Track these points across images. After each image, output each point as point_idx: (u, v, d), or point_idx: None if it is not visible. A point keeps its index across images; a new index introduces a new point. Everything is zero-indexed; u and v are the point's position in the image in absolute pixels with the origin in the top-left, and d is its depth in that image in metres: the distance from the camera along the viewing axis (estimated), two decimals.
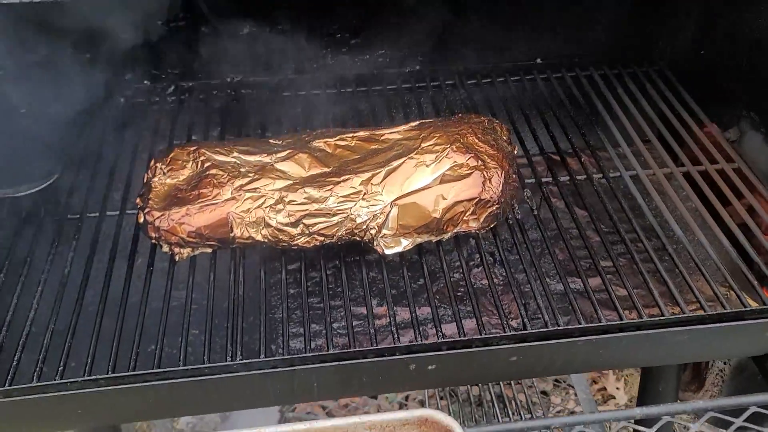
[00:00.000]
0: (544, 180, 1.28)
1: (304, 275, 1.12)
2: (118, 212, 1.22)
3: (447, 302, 1.30)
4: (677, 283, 1.08)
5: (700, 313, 1.00)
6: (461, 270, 1.32)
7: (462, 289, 1.31)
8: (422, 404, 2.07)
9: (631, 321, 1.00)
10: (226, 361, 0.96)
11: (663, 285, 1.07)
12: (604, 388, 2.35)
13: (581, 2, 1.51)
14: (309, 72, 1.51)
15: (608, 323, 0.99)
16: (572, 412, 2.23)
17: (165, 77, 1.48)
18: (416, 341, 0.99)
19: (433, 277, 1.29)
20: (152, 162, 1.18)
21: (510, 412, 1.91)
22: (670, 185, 1.25)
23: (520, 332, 0.99)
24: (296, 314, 1.26)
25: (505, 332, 1.00)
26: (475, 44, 1.52)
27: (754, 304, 1.08)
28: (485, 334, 0.99)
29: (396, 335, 1.00)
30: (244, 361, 0.95)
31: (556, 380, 2.22)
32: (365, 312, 1.14)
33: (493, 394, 1.94)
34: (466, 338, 0.98)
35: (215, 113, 1.45)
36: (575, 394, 2.20)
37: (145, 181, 1.16)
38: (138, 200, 1.14)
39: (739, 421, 0.94)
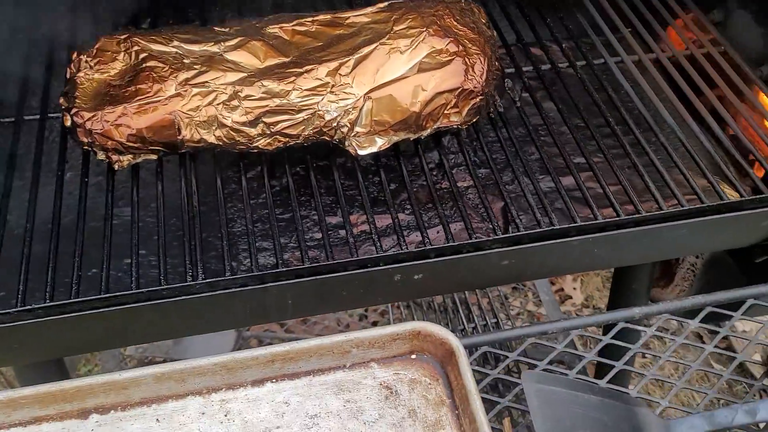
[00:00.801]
0: (524, 69, 1.16)
1: (267, 182, 0.99)
2: (38, 116, 1.03)
3: (429, 206, 1.20)
4: (655, 179, 1.01)
5: (699, 205, 0.94)
6: (442, 170, 1.21)
7: (444, 191, 1.21)
8: (383, 315, 2.02)
9: (630, 217, 0.92)
10: (187, 282, 0.84)
11: (640, 181, 1.00)
12: (562, 289, 2.37)
13: None
14: None
15: (606, 220, 0.92)
16: (530, 313, 2.25)
17: None
18: (400, 249, 0.89)
19: (412, 179, 1.18)
20: (74, 55, 0.99)
21: (474, 317, 1.89)
22: (657, 72, 1.16)
23: (514, 234, 0.90)
24: (258, 227, 1.14)
25: (496, 235, 0.91)
26: None
27: (734, 195, 1.02)
28: (475, 238, 0.90)
29: (379, 244, 0.90)
30: (209, 280, 0.83)
31: (514, 285, 2.20)
32: (340, 221, 1.03)
33: (457, 301, 1.91)
34: (456, 243, 0.89)
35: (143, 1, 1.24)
36: (534, 297, 2.21)
37: (68, 77, 0.98)
38: (61, 100, 0.96)
39: (694, 323, 0.89)
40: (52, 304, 0.80)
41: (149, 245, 0.96)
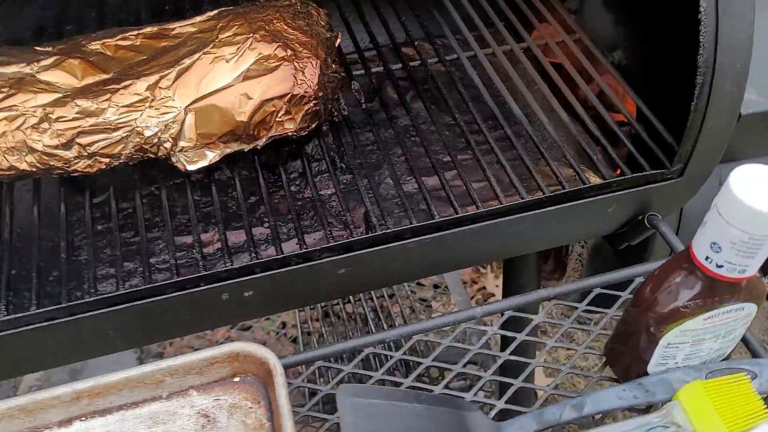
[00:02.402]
0: (374, 70, 1.13)
1: (88, 206, 0.93)
2: None
3: (289, 217, 1.16)
4: (522, 173, 0.99)
5: (538, 195, 0.92)
6: (305, 179, 1.18)
7: (306, 201, 1.17)
8: (295, 328, 1.97)
9: (466, 214, 0.89)
10: None
11: (507, 176, 0.97)
12: (484, 287, 2.35)
13: None
14: None
15: (441, 219, 0.88)
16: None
17: None
18: (224, 266, 0.84)
19: (272, 190, 1.14)
20: None
21: (384, 326, 1.85)
22: (514, 68, 1.14)
23: (343, 241, 0.86)
24: (107, 253, 1.08)
25: (328, 243, 0.87)
26: None
27: (599, 181, 1.02)
28: (305, 249, 0.86)
29: (201, 262, 0.85)
30: (9, 317, 0.77)
31: (436, 285, 2.17)
32: (191, 241, 0.99)
33: (366, 309, 1.87)
34: (282, 255, 0.84)
35: None
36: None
37: None
38: None
39: (582, 305, 0.88)
40: None
41: None
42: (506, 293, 1.42)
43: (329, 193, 1.20)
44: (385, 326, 1.84)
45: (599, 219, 0.97)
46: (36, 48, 1.00)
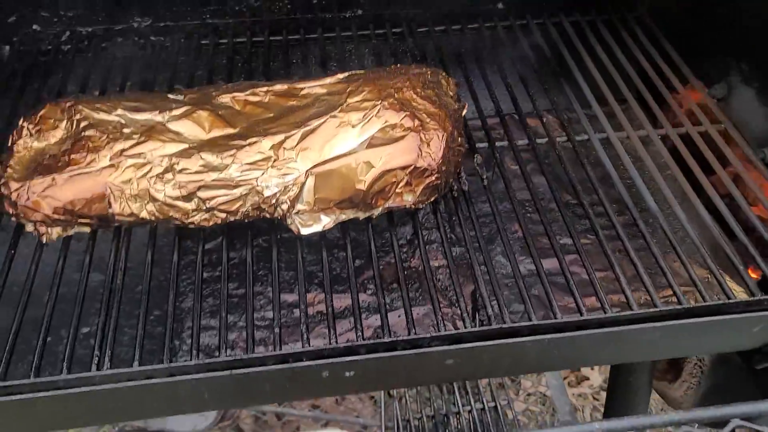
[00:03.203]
0: (498, 144, 1.08)
1: (200, 258, 0.92)
2: None
3: (394, 286, 1.12)
4: (649, 265, 0.91)
5: (675, 306, 0.83)
6: (413, 247, 1.14)
7: (412, 270, 1.13)
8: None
9: (592, 318, 0.81)
10: (90, 371, 0.77)
11: (632, 267, 0.89)
12: (579, 369, 2.21)
13: None
14: (231, 16, 1.28)
15: (565, 320, 0.81)
16: (544, 396, 2.09)
17: (57, 21, 1.25)
18: (356, 336, 0.81)
19: (379, 255, 1.11)
20: (21, 121, 0.96)
21: (471, 400, 1.76)
22: (646, 150, 1.06)
23: (455, 332, 0.81)
24: (209, 302, 1.08)
25: (438, 331, 0.82)
26: None
27: (738, 289, 0.92)
28: (414, 334, 0.81)
29: (305, 334, 0.82)
30: (111, 372, 0.76)
31: None
32: (293, 299, 0.97)
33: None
34: (389, 340, 0.80)
35: (117, 66, 1.22)
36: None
37: (9, 144, 0.95)
38: None
39: None
40: None
41: (64, 321, 0.90)
42: (613, 389, 1.31)
43: (438, 264, 1.16)
44: (471, 396, 1.75)
45: (739, 336, 0.87)
46: (168, 95, 1.02)
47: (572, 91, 1.17)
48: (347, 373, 0.81)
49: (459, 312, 0.87)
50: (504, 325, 0.80)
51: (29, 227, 0.90)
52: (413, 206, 0.94)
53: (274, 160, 0.90)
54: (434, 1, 1.32)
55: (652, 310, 0.82)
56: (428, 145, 0.92)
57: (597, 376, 2.25)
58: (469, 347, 0.80)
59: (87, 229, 0.93)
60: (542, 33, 1.29)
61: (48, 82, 1.19)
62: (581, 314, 0.82)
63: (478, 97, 1.15)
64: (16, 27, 1.24)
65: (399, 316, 1.09)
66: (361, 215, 0.94)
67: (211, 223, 0.91)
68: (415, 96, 0.96)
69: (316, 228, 0.92)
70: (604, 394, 2.23)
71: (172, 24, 1.28)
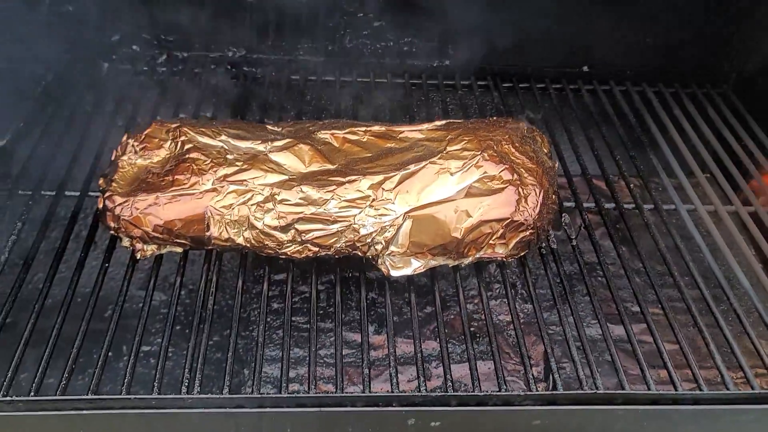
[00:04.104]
0: (585, 206, 1.08)
1: (290, 290, 0.93)
2: (78, 193, 1.02)
3: (458, 338, 1.11)
4: (718, 342, 0.88)
5: None
6: (481, 300, 1.14)
7: (477, 324, 1.12)
8: None
9: (687, 393, 0.80)
10: (181, 393, 0.77)
11: (702, 343, 0.88)
12: None
13: (639, 10, 1.31)
14: (322, 54, 1.32)
15: (659, 393, 0.79)
16: None
17: (157, 44, 1.29)
18: (418, 386, 0.79)
19: (444, 305, 1.10)
20: (124, 138, 0.98)
21: None
22: (734, 225, 1.05)
23: (549, 393, 0.79)
24: (275, 336, 1.07)
25: (529, 388, 0.80)
26: (514, 43, 1.33)
27: None
28: (505, 390, 0.80)
29: (395, 378, 0.81)
30: (202, 396, 0.76)
31: None
32: (359, 340, 0.96)
33: None
34: (482, 394, 0.78)
35: (210, 91, 1.25)
36: None
37: (112, 158, 0.97)
38: (101, 181, 0.94)
39: None
40: (36, 399, 0.74)
41: (153, 340, 0.91)
42: None
43: (506, 320, 1.15)
44: None
45: None
46: (267, 126, 1.04)
47: (657, 158, 1.17)
48: (433, 423, 0.79)
49: (525, 370, 0.85)
50: (598, 392, 0.79)
51: (125, 242, 0.91)
52: (504, 259, 0.94)
53: (372, 200, 0.91)
54: (520, 59, 1.34)
55: (750, 391, 0.80)
56: (526, 200, 0.92)
57: None
58: (561, 410, 0.78)
59: (179, 249, 0.93)
60: (626, 99, 1.31)
61: (142, 101, 1.22)
62: (675, 388, 0.80)
63: (563, 156, 1.16)
64: (117, 45, 1.28)
65: (465, 370, 1.08)
66: (451, 263, 0.94)
67: (302, 256, 0.92)
68: (513, 150, 0.97)
69: (406, 271, 0.92)
70: None
71: (264, 57, 1.31)
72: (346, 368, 1.06)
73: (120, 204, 0.89)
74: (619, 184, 1.15)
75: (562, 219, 1.04)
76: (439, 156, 0.95)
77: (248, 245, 0.90)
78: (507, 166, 0.94)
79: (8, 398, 0.73)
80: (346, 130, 1.01)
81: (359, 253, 0.92)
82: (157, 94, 1.23)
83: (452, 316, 1.14)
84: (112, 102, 1.20)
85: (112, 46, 1.28)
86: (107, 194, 0.90)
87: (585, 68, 1.36)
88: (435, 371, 1.08)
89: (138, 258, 0.92)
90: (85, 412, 0.75)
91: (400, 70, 1.32)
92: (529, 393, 0.79)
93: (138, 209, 0.89)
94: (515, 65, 1.34)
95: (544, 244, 0.99)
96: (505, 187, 0.92)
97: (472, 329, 1.12)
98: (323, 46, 1.31)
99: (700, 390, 0.81)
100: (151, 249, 0.92)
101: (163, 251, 0.93)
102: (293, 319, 1.08)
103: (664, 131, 1.23)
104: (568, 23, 1.32)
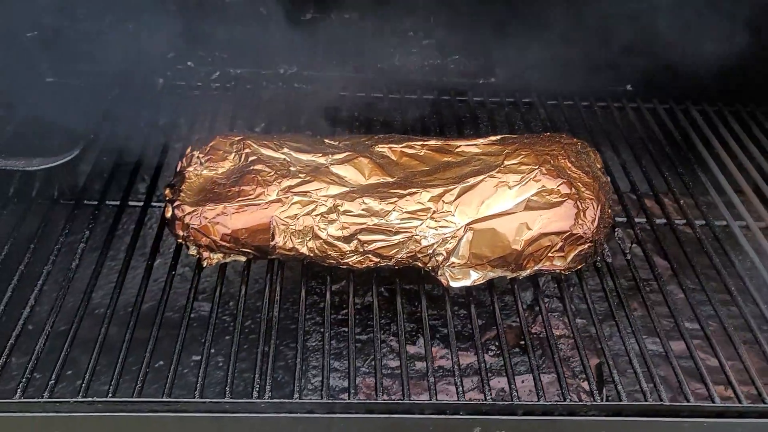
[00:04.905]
0: (637, 221, 1.09)
1: (351, 299, 0.94)
2: (141, 203, 1.05)
3: (516, 350, 1.12)
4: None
5: None
6: (535, 313, 1.15)
7: (534, 336, 1.13)
8: None
9: (754, 407, 0.80)
10: (252, 398, 0.78)
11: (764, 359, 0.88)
12: None
13: (684, 31, 1.33)
14: (371, 72, 1.35)
15: (725, 406, 0.80)
16: None
17: (211, 60, 1.33)
18: (483, 395, 0.81)
19: (502, 316, 1.11)
20: (189, 150, 1.01)
21: None
22: None
23: (615, 404, 0.80)
24: (334, 345, 1.08)
25: (594, 400, 0.81)
26: (558, 60, 1.35)
27: None
28: (570, 400, 0.81)
29: (460, 387, 0.82)
30: (275, 401, 0.77)
31: None
32: (419, 351, 0.97)
33: None
34: (548, 403, 0.79)
35: (262, 107, 1.29)
36: None
37: (178, 169, 1.00)
38: (167, 191, 0.97)
39: None
40: (114, 400, 0.76)
41: (220, 344, 0.92)
42: None
43: (560, 333, 1.15)
44: None
45: None
46: (324, 140, 1.06)
47: (705, 175, 1.18)
48: (497, 431, 0.80)
49: (579, 383, 0.86)
50: (664, 403, 0.79)
51: (192, 250, 0.94)
52: (562, 272, 0.95)
53: (433, 212, 0.93)
54: (564, 77, 1.36)
55: None
56: (584, 213, 0.93)
57: None
58: (627, 421, 0.79)
59: (243, 258, 0.96)
60: (670, 117, 1.32)
61: (197, 115, 1.25)
62: (740, 401, 0.81)
63: (612, 172, 1.17)
64: (172, 62, 1.32)
65: (523, 382, 1.09)
66: (509, 275, 0.95)
67: (363, 266, 0.94)
68: (569, 164, 0.98)
69: (465, 282, 0.93)
70: None
71: (315, 74, 1.34)
72: (399, 379, 1.06)
73: (189, 213, 0.91)
74: (668, 201, 1.16)
75: (615, 233, 1.05)
76: (497, 170, 0.96)
77: (311, 255, 0.92)
78: (565, 181, 0.95)
79: (88, 399, 0.75)
80: (403, 144, 1.04)
81: (419, 264, 0.93)
82: (211, 109, 1.26)
83: (503, 329, 1.15)
84: (168, 116, 1.23)
85: (167, 63, 1.31)
86: (176, 203, 0.93)
87: (629, 87, 1.38)
88: (493, 384, 1.08)
89: (204, 266, 0.94)
90: (160, 414, 0.76)
91: (447, 87, 1.34)
92: (594, 403, 0.80)
93: (206, 218, 0.91)
94: (559, 82, 1.36)
95: (599, 258, 1.00)
96: (564, 201, 0.94)
97: (523, 342, 1.13)
98: (372, 65, 1.34)
99: (765, 403, 0.81)
100: (216, 257, 0.94)
101: (228, 260, 0.95)
102: (342, 329, 1.10)
103: (710, 149, 1.24)
104: (613, 42, 1.34)
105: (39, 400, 0.75)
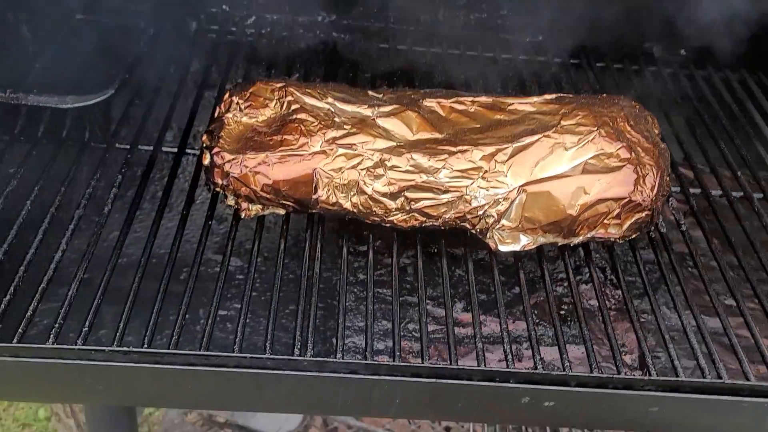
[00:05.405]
0: (692, 191, 1.04)
1: (395, 259, 0.90)
2: (176, 149, 1.00)
3: (547, 320, 1.08)
4: None
5: None
6: (567, 283, 1.10)
7: (568, 307, 1.09)
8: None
9: None
10: (293, 355, 0.75)
11: None
12: None
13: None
14: (413, 24, 1.28)
15: None
16: None
17: (247, 4, 1.27)
18: (534, 364, 0.77)
19: (532, 287, 1.07)
20: (227, 95, 0.96)
21: None
22: None
23: (672, 380, 0.76)
24: (377, 306, 1.04)
25: (648, 375, 0.77)
26: (609, 21, 1.28)
27: None
28: (625, 374, 0.77)
29: (510, 355, 0.78)
30: (318, 359, 0.74)
31: None
32: (458, 317, 0.93)
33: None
34: (604, 376, 0.75)
35: (298, 55, 1.23)
36: None
37: (216, 115, 0.95)
38: (204, 137, 0.92)
39: None
40: (149, 350, 0.73)
41: (258, 302, 0.89)
42: None
43: (595, 305, 1.11)
44: None
45: None
46: (369, 92, 1.01)
47: (763, 148, 1.13)
48: (547, 403, 0.77)
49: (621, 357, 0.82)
50: (726, 381, 0.75)
51: (230, 200, 0.89)
52: (616, 240, 0.90)
53: (485, 172, 0.88)
54: (615, 39, 1.30)
55: None
56: (644, 180, 0.88)
57: None
58: (685, 398, 0.75)
59: (282, 211, 0.91)
60: (726, 86, 1.26)
61: (232, 60, 1.19)
62: None
63: (665, 139, 1.12)
64: (206, 4, 1.26)
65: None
66: (561, 241, 0.91)
67: (408, 225, 0.89)
68: (629, 128, 0.93)
69: (514, 247, 0.89)
70: None
71: (353, 23, 1.28)
72: (433, 344, 1.03)
73: (229, 161, 0.87)
74: (725, 173, 1.10)
75: (669, 203, 1.00)
76: (553, 130, 0.91)
77: (355, 210, 0.88)
78: (624, 145, 0.90)
79: (124, 348, 0.72)
80: (452, 100, 0.98)
81: (467, 226, 0.89)
82: (245, 56, 1.21)
83: (541, 299, 1.11)
84: (201, 61, 1.18)
85: (201, 6, 1.25)
86: (215, 150, 0.88)
87: (683, 51, 1.31)
88: (526, 353, 1.05)
89: (242, 217, 0.90)
90: (197, 368, 0.73)
91: (491, 45, 1.28)
92: (651, 378, 0.76)
93: (247, 167, 0.86)
94: (609, 44, 1.30)
95: (652, 229, 0.95)
96: (623, 166, 0.88)
97: (562, 312, 1.09)
98: (415, 18, 1.28)
99: None
100: (255, 209, 0.90)
101: (266, 212, 0.91)
102: (378, 291, 1.06)
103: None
104: (667, 5, 1.27)
105: (73, 347, 0.71)
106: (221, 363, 0.73)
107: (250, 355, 0.73)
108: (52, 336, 0.73)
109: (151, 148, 1.00)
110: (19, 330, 0.73)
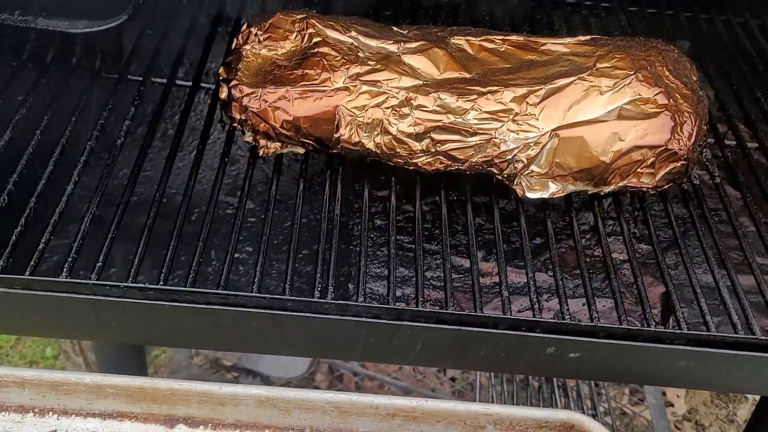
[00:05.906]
0: (727, 143, 1.00)
1: (419, 204, 0.87)
2: (191, 82, 0.96)
3: (575, 273, 1.06)
4: None
5: None
6: (596, 235, 1.07)
7: (595, 260, 1.06)
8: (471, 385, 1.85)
9: None
10: (314, 297, 0.72)
11: None
12: (664, 393, 2.12)
13: None
14: None
15: None
16: (624, 414, 2.02)
17: None
18: (561, 314, 0.75)
19: (560, 237, 1.04)
20: (245, 26, 0.91)
21: (570, 402, 1.69)
22: None
23: (704, 334, 0.74)
24: (400, 253, 1.02)
25: (679, 328, 0.75)
26: None
27: None
28: (656, 327, 0.74)
29: (536, 304, 0.76)
30: (340, 302, 0.71)
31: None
32: (466, 264, 0.91)
33: (554, 380, 1.72)
34: (634, 328, 0.73)
35: None
36: (633, 395, 2.00)
37: (233, 47, 0.90)
38: (221, 70, 0.88)
39: None
40: (166, 288, 0.70)
41: (270, 246, 0.86)
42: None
43: (622, 258, 1.08)
44: (563, 404, 1.69)
45: None
46: (394, 28, 0.96)
47: None
48: (572, 354, 0.75)
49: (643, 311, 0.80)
50: (760, 337, 0.73)
51: (248, 137, 0.86)
52: (649, 189, 0.87)
53: (515, 114, 0.84)
54: None
55: None
56: (681, 128, 0.84)
57: (682, 405, 2.16)
58: (715, 353, 0.73)
59: (301, 150, 0.88)
60: (764, 35, 1.20)
61: None
62: None
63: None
64: None
65: (583, 305, 1.03)
66: (591, 189, 0.87)
67: (432, 168, 0.86)
68: (668, 74, 0.88)
69: (542, 194, 0.86)
70: (686, 424, 2.16)
71: None
72: (454, 293, 1.01)
73: (247, 95, 0.83)
74: (761, 125, 1.05)
75: (703, 155, 0.96)
76: (588, 72, 0.86)
77: (377, 151, 0.84)
78: (662, 90, 0.85)
79: (140, 285, 0.69)
80: (482, 38, 0.93)
81: (494, 170, 0.85)
82: None
83: (563, 250, 1.08)
84: None
85: None
86: (233, 83, 0.84)
87: None
88: (546, 305, 1.03)
89: (260, 155, 0.86)
90: (215, 307, 0.71)
91: None
92: (682, 332, 0.73)
93: (267, 102, 0.82)
94: None
95: (685, 180, 0.91)
96: (661, 112, 0.84)
97: (588, 262, 1.06)
98: None
99: None
100: (274, 147, 0.86)
101: (285, 150, 0.88)
102: (397, 238, 1.03)
103: None
104: None
105: (88, 281, 0.69)
106: (240, 303, 0.71)
107: (270, 296, 0.71)
108: (65, 270, 0.70)
109: (165, 80, 0.95)
110: (31, 263, 0.71)
